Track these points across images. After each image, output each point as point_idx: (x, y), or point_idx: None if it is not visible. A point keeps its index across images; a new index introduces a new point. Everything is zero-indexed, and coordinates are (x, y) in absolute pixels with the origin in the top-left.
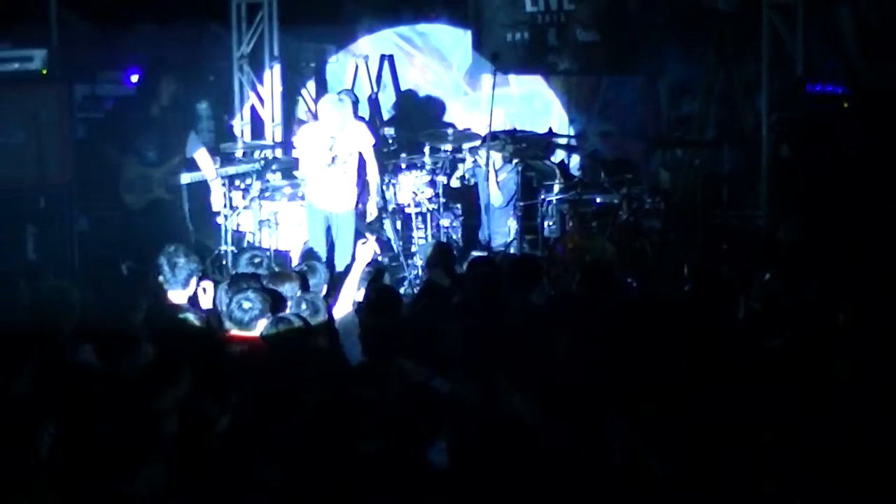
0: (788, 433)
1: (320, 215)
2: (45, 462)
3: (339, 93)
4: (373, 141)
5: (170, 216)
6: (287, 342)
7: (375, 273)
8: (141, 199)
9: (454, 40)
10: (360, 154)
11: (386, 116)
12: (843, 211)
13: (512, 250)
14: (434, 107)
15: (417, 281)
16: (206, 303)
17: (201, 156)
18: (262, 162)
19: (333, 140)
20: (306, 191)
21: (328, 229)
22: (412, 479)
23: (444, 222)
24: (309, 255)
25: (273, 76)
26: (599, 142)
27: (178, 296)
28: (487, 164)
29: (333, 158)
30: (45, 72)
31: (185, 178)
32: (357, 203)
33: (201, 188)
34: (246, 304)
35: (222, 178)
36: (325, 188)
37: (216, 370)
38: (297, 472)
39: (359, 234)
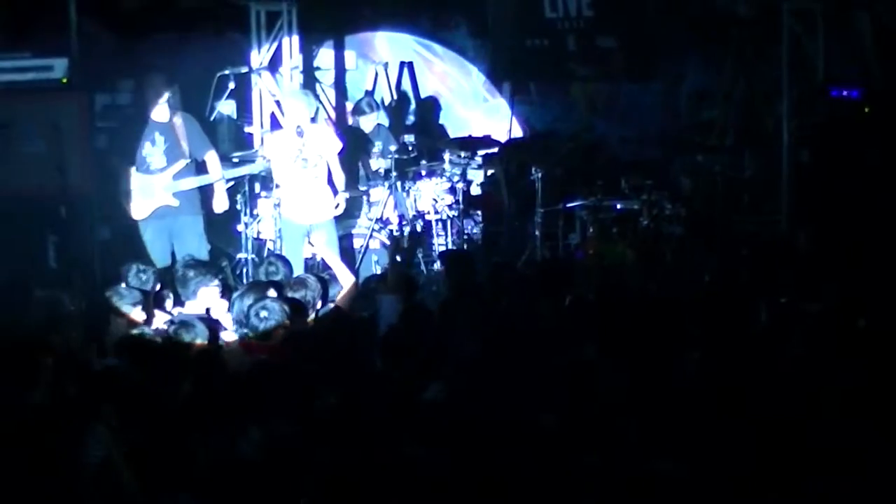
0: (807, 435)
1: (299, 231)
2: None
3: (362, 98)
4: (339, 146)
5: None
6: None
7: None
8: (145, 207)
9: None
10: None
11: (405, 123)
12: (863, 216)
13: (533, 257)
14: (454, 113)
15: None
16: (215, 311)
17: (210, 158)
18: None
19: (301, 130)
20: (282, 207)
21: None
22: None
23: (465, 229)
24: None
25: (292, 84)
26: (619, 147)
27: (191, 307)
28: (508, 172)
29: (301, 158)
30: (65, 81)
31: (193, 182)
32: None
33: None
34: (263, 313)
35: (233, 180)
36: (301, 198)
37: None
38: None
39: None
